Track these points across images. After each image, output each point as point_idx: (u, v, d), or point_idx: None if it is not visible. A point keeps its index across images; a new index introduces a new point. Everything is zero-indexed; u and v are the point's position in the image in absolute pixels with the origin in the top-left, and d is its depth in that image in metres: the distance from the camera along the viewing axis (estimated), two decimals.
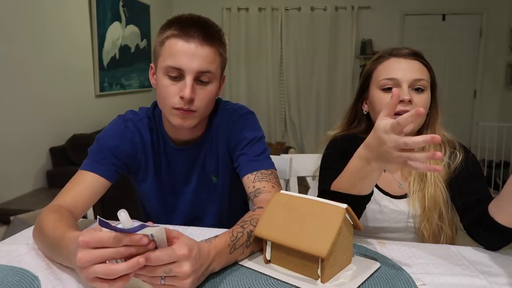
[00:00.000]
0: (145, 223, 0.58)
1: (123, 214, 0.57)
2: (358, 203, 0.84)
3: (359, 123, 1.13)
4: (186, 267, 0.60)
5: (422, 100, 0.98)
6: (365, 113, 1.10)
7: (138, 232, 0.58)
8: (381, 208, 1.03)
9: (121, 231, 0.58)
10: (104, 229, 0.60)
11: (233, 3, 5.11)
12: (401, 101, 0.96)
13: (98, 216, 0.59)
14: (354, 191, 0.83)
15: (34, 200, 2.60)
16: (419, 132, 1.05)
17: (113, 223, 0.59)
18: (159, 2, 4.86)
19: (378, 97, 1.02)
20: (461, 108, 4.94)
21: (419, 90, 0.99)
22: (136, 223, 0.58)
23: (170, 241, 0.62)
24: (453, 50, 4.93)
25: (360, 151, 0.78)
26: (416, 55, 1.02)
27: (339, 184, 0.85)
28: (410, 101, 0.96)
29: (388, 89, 1.00)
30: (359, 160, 0.78)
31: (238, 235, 0.76)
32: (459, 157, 1.01)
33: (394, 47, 1.06)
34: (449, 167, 1.01)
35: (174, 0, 5.24)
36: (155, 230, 0.59)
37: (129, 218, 0.58)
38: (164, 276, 0.60)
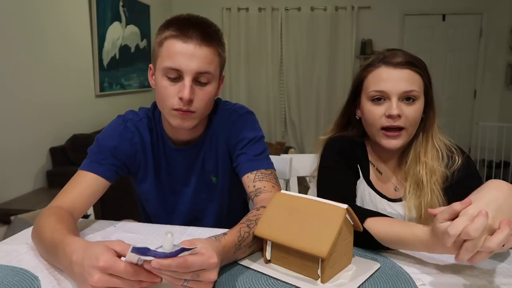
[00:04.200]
0: (185, 247, 0.58)
1: (169, 236, 0.57)
2: (379, 248, 0.83)
3: (354, 128, 1.12)
4: (213, 274, 0.61)
5: (412, 112, 0.96)
6: (358, 118, 1.08)
7: (180, 255, 0.57)
8: (378, 210, 1.02)
9: (159, 256, 0.56)
10: (124, 258, 0.59)
11: (233, 3, 5.11)
12: (390, 116, 0.95)
13: (131, 246, 0.57)
14: (388, 245, 0.80)
15: (34, 200, 2.60)
16: (413, 137, 1.03)
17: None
18: (159, 2, 4.87)
19: (368, 109, 1.00)
20: (461, 108, 4.94)
21: (410, 99, 0.97)
22: (177, 247, 0.58)
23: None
24: (453, 50, 4.93)
25: (428, 236, 0.72)
26: (408, 64, 0.96)
27: (382, 231, 0.80)
28: (399, 116, 0.95)
29: (377, 100, 0.98)
30: (416, 238, 0.74)
31: (245, 235, 0.76)
32: (458, 162, 1.00)
33: (388, 50, 1.02)
34: (447, 173, 1.00)
35: (174, 0, 5.25)
36: (190, 252, 0.59)
37: (172, 242, 0.57)
38: (188, 279, 0.60)
